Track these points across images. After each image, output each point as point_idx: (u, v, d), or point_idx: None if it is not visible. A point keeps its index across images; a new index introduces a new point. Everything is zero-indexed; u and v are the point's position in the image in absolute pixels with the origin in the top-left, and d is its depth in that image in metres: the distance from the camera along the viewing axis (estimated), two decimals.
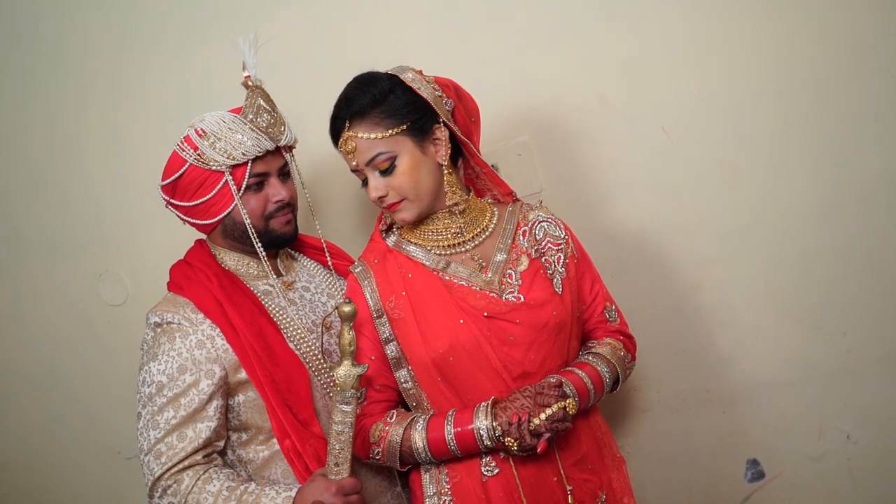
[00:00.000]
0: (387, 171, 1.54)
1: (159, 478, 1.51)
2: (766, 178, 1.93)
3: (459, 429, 1.49)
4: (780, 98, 1.89)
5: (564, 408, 1.45)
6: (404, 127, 1.52)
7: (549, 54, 1.99)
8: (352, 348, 1.43)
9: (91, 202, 2.31)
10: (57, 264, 2.38)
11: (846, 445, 2.00)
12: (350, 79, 1.58)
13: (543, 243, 1.65)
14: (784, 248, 1.94)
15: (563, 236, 1.67)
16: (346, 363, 1.44)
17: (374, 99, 1.52)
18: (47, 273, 2.40)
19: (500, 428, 1.46)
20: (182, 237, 1.80)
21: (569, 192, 2.02)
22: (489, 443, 1.48)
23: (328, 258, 1.81)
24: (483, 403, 1.50)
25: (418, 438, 1.52)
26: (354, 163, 1.56)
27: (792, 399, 2.00)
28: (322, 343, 1.69)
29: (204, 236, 1.75)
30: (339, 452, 1.44)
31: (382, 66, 1.59)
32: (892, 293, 1.92)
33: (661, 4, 1.92)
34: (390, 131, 1.52)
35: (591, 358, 1.63)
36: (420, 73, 1.57)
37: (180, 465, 1.51)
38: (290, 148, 1.70)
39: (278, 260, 1.78)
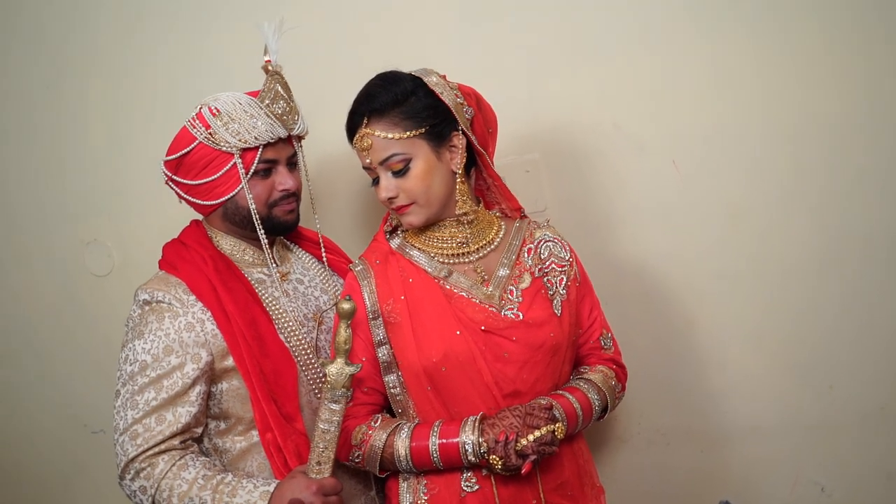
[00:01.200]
0: (400, 173, 1.51)
1: (133, 459, 1.46)
2: (770, 225, 1.93)
3: (444, 441, 1.47)
4: (794, 147, 1.89)
5: (553, 431, 1.44)
6: (422, 130, 1.51)
7: (566, 74, 1.98)
8: (347, 346, 1.41)
9: (87, 169, 2.27)
10: (45, 228, 2.33)
11: (819, 498, 2.00)
12: (360, 79, 1.55)
13: (547, 263, 1.64)
14: (781, 294, 1.95)
15: (567, 258, 1.66)
16: (340, 361, 1.41)
17: (395, 98, 1.50)
18: (35, 236, 2.35)
19: (486, 445, 1.44)
20: (174, 214, 1.77)
21: (573, 214, 2.01)
22: (473, 458, 1.46)
23: (323, 252, 1.78)
24: (471, 418, 1.48)
25: (401, 446, 1.49)
26: (368, 160, 1.54)
27: (771, 445, 2.00)
28: (315, 338, 1.66)
29: (200, 217, 1.71)
30: (323, 451, 1.41)
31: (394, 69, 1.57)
32: (883, 352, 1.92)
33: (684, 39, 1.91)
34: (408, 133, 1.50)
35: (582, 384, 1.61)
36: (444, 77, 1.56)
37: (156, 449, 1.46)
38: (300, 138, 1.68)
39: (274, 249, 1.74)
